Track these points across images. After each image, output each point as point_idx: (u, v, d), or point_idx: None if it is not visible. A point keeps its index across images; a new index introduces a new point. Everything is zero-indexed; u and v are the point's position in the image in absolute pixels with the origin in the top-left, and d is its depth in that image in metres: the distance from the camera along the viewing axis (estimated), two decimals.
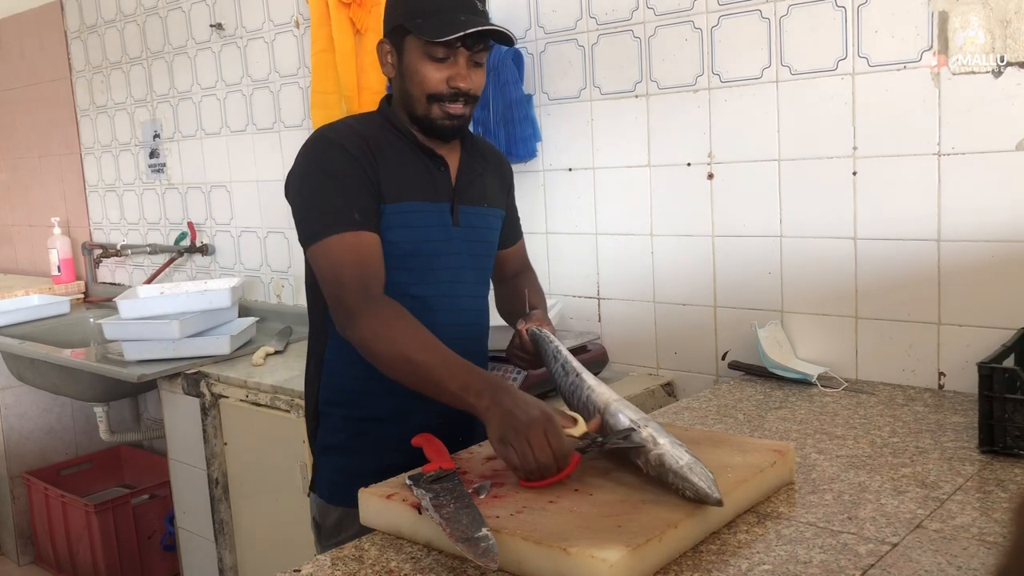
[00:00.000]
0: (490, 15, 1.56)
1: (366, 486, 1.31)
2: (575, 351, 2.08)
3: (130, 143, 3.73)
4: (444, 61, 1.48)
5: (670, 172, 2.13)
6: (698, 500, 1.14)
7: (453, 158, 1.61)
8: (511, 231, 1.78)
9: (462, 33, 1.44)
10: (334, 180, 1.46)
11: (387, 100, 1.62)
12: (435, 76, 1.49)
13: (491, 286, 1.73)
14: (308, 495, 1.69)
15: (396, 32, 1.52)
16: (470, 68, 1.51)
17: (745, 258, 2.03)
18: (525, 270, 1.83)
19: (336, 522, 1.58)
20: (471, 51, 1.49)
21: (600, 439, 1.28)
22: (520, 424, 1.22)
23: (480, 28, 1.45)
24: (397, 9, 1.53)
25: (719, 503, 1.13)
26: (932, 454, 1.44)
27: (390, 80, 1.58)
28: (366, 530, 1.28)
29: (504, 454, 1.24)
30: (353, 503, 1.42)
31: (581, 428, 1.29)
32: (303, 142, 1.55)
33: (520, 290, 1.71)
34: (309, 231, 1.47)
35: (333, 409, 1.61)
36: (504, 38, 1.51)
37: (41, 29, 4.06)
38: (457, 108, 1.51)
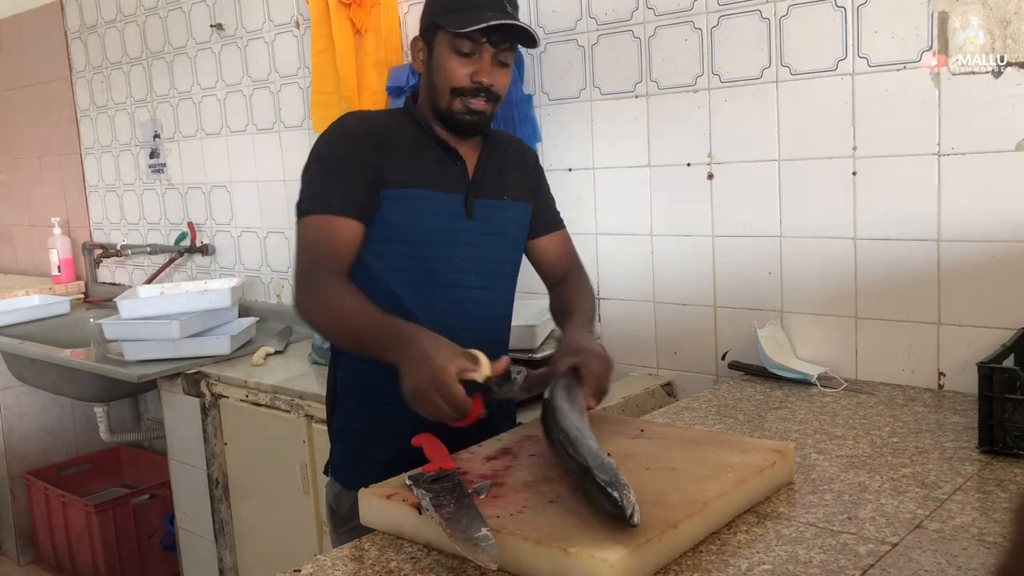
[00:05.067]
0: (519, 7, 1.60)
1: (381, 472, 1.34)
2: None
3: (130, 143, 3.73)
4: (469, 56, 1.52)
5: (670, 172, 2.13)
6: (615, 515, 1.08)
7: (471, 153, 1.63)
8: (544, 220, 1.76)
9: (484, 25, 1.48)
10: (327, 166, 1.54)
11: (413, 98, 1.66)
12: (459, 70, 1.53)
13: (514, 291, 1.71)
14: (325, 477, 1.71)
15: (429, 29, 1.57)
16: (494, 66, 1.54)
17: (745, 258, 2.03)
18: (573, 269, 1.77)
19: (351, 508, 1.55)
20: (496, 48, 1.53)
21: (495, 385, 1.32)
22: (420, 380, 1.29)
23: (503, 22, 1.49)
24: (432, 7, 1.58)
25: (632, 523, 1.07)
26: (932, 454, 1.44)
27: (419, 76, 1.63)
28: None
29: (415, 408, 1.31)
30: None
31: (484, 371, 1.31)
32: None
33: (566, 296, 1.69)
34: (296, 211, 1.55)
35: (350, 391, 1.63)
36: (528, 37, 1.54)
37: (41, 29, 4.06)
38: (479, 103, 1.54)
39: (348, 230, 1.51)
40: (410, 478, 1.27)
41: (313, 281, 1.47)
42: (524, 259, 1.75)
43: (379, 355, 1.38)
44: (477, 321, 1.60)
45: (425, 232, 1.55)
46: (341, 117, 1.62)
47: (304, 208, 1.53)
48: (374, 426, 1.60)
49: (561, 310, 1.68)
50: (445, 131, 1.60)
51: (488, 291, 1.63)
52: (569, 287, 1.73)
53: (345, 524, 1.60)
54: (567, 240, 1.80)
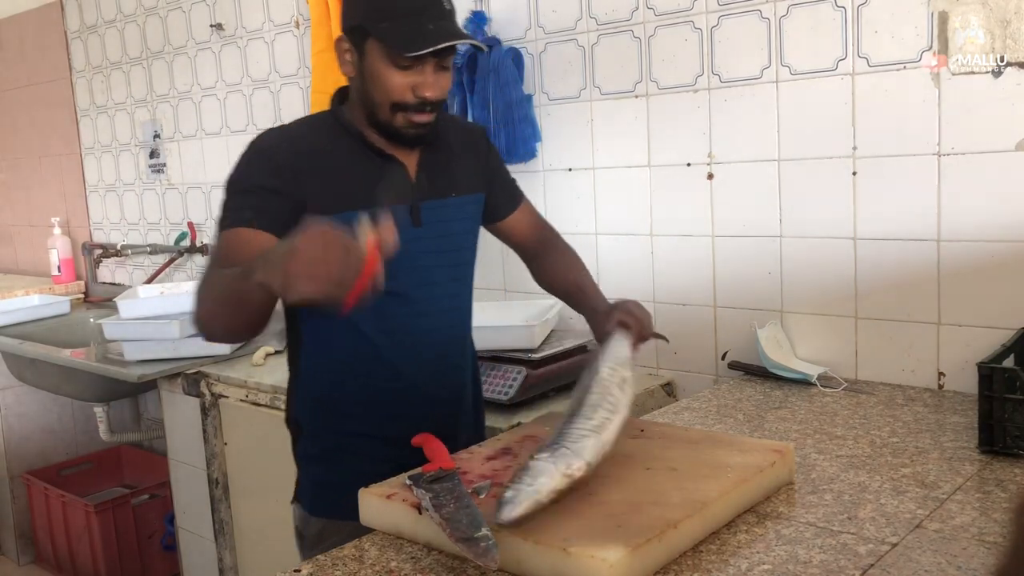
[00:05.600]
0: (455, 8, 1.47)
1: (345, 497, 1.31)
2: (575, 351, 2.08)
3: (130, 143, 3.73)
4: (409, 68, 1.40)
5: (670, 172, 2.13)
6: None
7: (411, 154, 1.52)
8: (505, 200, 1.70)
9: (432, 49, 1.37)
10: (244, 189, 1.43)
11: (340, 96, 1.54)
12: (400, 84, 1.41)
13: (472, 282, 1.64)
14: (291, 504, 1.66)
15: (356, 32, 1.43)
16: (437, 74, 1.43)
17: (745, 258, 2.03)
18: (547, 236, 1.75)
19: (318, 533, 1.56)
20: (439, 58, 1.42)
21: None
22: (297, 254, 1.10)
23: (452, 43, 1.39)
24: (357, 7, 1.44)
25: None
26: (932, 454, 1.44)
27: (349, 79, 1.50)
28: (350, 539, 1.25)
29: (296, 286, 1.10)
30: (334, 514, 1.45)
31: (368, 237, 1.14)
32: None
33: (562, 274, 1.69)
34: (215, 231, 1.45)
35: (312, 420, 1.58)
36: (477, 47, 1.46)
37: (41, 29, 4.06)
38: (423, 117, 1.44)
39: (257, 241, 1.37)
40: (410, 478, 1.27)
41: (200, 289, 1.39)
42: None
43: (251, 290, 1.22)
44: (438, 324, 1.55)
45: None
46: (258, 139, 1.48)
47: (219, 226, 1.44)
48: (340, 453, 1.55)
49: (567, 287, 1.67)
50: (382, 139, 1.48)
51: (446, 293, 1.56)
52: (559, 260, 1.72)
53: (313, 548, 1.52)
54: (533, 210, 1.77)
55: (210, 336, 1.45)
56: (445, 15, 1.42)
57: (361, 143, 1.48)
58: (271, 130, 1.54)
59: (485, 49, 1.52)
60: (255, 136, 1.51)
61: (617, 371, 1.37)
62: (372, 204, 1.40)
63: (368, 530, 1.27)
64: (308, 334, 1.56)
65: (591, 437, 1.23)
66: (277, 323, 3.21)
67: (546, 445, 1.21)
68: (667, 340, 1.75)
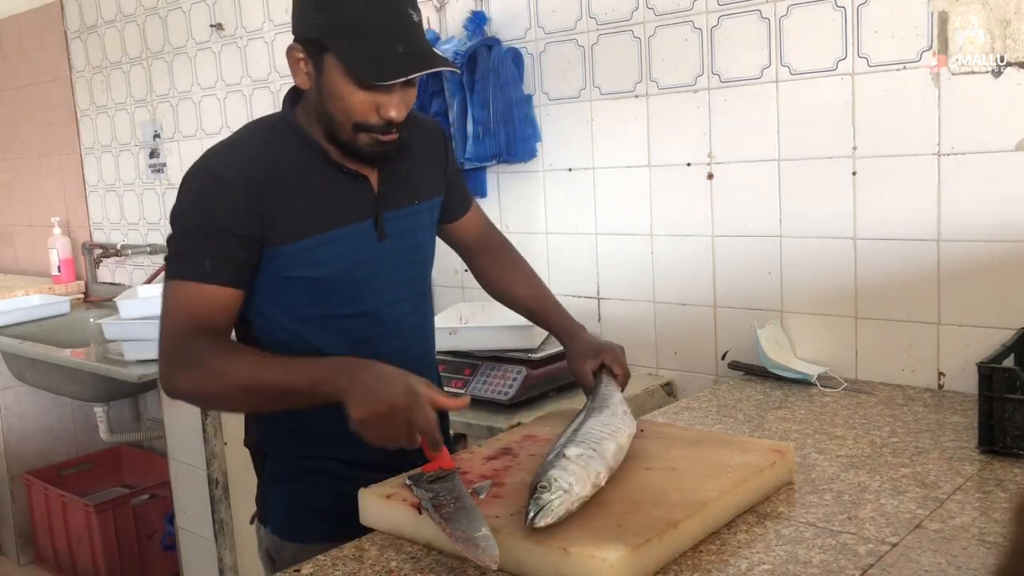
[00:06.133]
0: (422, 13, 1.36)
1: (321, 521, 1.31)
2: None
3: (130, 143, 3.73)
4: (374, 89, 1.29)
5: (670, 172, 2.13)
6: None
7: (372, 168, 1.41)
8: (457, 202, 1.63)
9: (404, 79, 1.27)
10: (198, 222, 1.31)
11: (291, 97, 1.42)
12: (363, 103, 1.29)
13: (431, 293, 1.57)
14: (253, 525, 1.53)
15: (313, 45, 1.30)
16: (404, 91, 1.32)
17: (745, 258, 2.03)
18: (493, 240, 1.70)
19: (291, 558, 1.36)
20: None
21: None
22: (392, 396, 1.16)
23: (425, 71, 1.29)
24: (313, 17, 1.30)
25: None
26: (932, 454, 1.44)
27: (305, 90, 1.36)
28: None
29: (366, 432, 1.17)
30: (310, 538, 1.38)
31: (461, 403, 1.26)
32: (186, 171, 1.37)
33: (519, 284, 1.67)
34: (166, 271, 1.35)
35: (275, 445, 1.48)
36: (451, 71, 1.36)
37: (41, 29, 4.06)
38: (389, 137, 1.34)
39: (222, 298, 1.30)
40: (410, 478, 1.27)
41: (187, 351, 1.27)
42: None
43: (311, 392, 1.21)
44: (406, 343, 1.46)
45: (333, 276, 1.36)
46: (209, 162, 1.35)
47: (172, 271, 1.32)
48: (311, 473, 1.44)
49: (526, 302, 1.65)
50: (342, 154, 1.37)
51: (412, 309, 1.48)
52: (509, 266, 1.69)
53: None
54: (481, 212, 1.70)
55: (199, 403, 1.43)
56: (414, 29, 1.30)
57: (322, 157, 1.37)
58: (221, 149, 1.38)
59: (458, 71, 1.45)
60: (201, 158, 1.37)
61: (621, 404, 1.41)
62: (340, 225, 1.36)
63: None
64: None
65: (610, 440, 1.24)
66: None
67: (570, 438, 1.23)
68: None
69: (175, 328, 1.29)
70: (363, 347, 1.35)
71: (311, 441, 1.42)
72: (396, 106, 1.31)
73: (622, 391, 1.49)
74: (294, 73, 1.34)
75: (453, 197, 1.61)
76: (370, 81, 1.27)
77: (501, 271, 1.70)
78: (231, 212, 1.30)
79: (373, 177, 1.42)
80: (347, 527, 1.28)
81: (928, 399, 1.74)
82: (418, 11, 1.32)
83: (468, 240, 1.68)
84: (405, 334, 1.46)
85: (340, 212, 1.37)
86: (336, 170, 1.38)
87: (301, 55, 1.32)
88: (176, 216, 1.34)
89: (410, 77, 1.27)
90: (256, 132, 1.41)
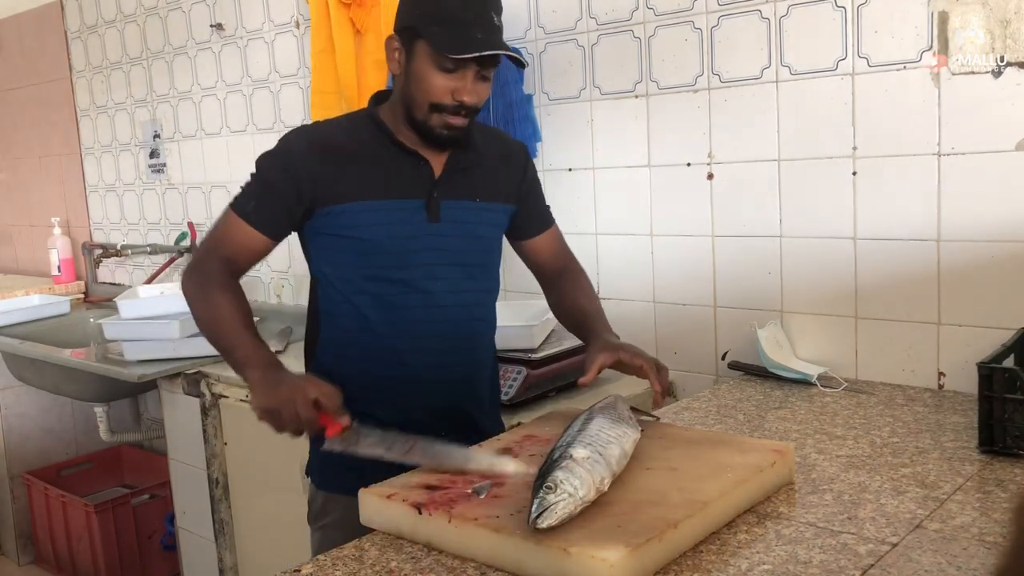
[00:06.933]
0: (503, 26, 1.54)
1: (350, 474, 1.39)
2: (575, 351, 2.08)
3: (130, 143, 3.73)
4: (453, 72, 1.48)
5: (670, 172, 2.13)
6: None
7: (439, 156, 1.58)
8: (532, 221, 1.74)
9: (476, 55, 1.45)
10: (258, 179, 1.57)
11: (377, 98, 1.63)
12: (441, 86, 1.48)
13: (491, 284, 1.68)
14: (304, 476, 1.74)
15: (407, 32, 1.51)
16: (477, 82, 1.50)
17: (745, 258, 2.03)
18: (568, 264, 1.77)
19: (321, 506, 1.64)
20: (481, 67, 1.49)
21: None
22: (280, 397, 1.41)
23: (494, 52, 1.46)
24: (413, 10, 1.52)
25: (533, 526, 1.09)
26: (932, 454, 1.44)
27: (393, 76, 1.57)
28: (349, 514, 1.32)
29: (263, 418, 1.43)
30: (337, 489, 1.58)
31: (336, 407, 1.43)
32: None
33: (571, 298, 1.69)
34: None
35: None
36: (517, 61, 1.50)
37: (41, 29, 4.06)
38: (458, 120, 1.51)
39: (250, 239, 1.56)
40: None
41: (206, 271, 1.57)
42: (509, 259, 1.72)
43: (238, 362, 1.50)
44: (443, 317, 1.58)
45: (379, 243, 1.53)
46: (292, 133, 1.61)
47: (232, 200, 1.59)
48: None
49: (572, 313, 1.68)
50: (414, 136, 1.56)
51: (455, 288, 1.59)
52: (571, 286, 1.72)
53: (317, 521, 1.65)
54: (559, 237, 1.79)
55: (189, 309, 1.63)
56: (494, 29, 1.49)
57: (388, 140, 1.56)
58: (305, 127, 1.65)
59: (526, 64, 1.55)
60: (300, 126, 1.64)
61: (626, 409, 1.41)
62: (390, 197, 1.54)
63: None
64: (323, 310, 1.63)
65: (615, 445, 1.24)
66: (278, 323, 3.23)
67: (577, 438, 1.22)
68: (657, 418, 1.60)
69: (209, 242, 1.60)
70: (401, 313, 1.55)
71: (350, 398, 1.51)
72: (469, 92, 1.49)
73: (663, 380, 1.50)
74: (388, 61, 1.56)
75: (528, 214, 1.73)
76: (448, 55, 1.45)
77: (562, 293, 1.73)
78: (284, 172, 1.54)
79: (438, 165, 1.57)
80: (371, 482, 1.33)
81: (928, 399, 1.74)
82: (500, 15, 1.52)
83: (541, 260, 1.77)
84: (446, 308, 1.58)
85: (394, 186, 1.55)
86: (398, 149, 1.56)
87: (397, 45, 1.53)
88: (257, 160, 1.59)
89: (482, 54, 1.45)
90: (341, 117, 1.69)
